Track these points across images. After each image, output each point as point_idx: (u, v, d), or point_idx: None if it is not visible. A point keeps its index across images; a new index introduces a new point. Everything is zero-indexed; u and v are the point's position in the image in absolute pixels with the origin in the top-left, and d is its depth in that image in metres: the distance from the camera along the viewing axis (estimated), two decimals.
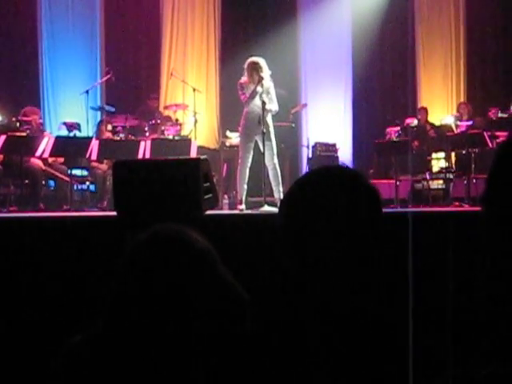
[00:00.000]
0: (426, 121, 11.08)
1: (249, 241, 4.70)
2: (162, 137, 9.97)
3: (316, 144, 11.38)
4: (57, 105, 11.82)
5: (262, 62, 8.12)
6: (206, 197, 5.31)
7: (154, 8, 12.31)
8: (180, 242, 1.49)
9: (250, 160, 8.09)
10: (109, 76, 10.71)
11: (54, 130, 10.86)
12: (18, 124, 9.08)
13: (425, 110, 11.33)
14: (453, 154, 10.47)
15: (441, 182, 10.34)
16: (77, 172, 9.53)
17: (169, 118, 10.71)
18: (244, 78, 8.19)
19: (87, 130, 9.95)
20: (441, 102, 12.48)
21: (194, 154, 8.94)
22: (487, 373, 1.24)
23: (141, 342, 1.45)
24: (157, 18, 12.35)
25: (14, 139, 8.61)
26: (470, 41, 12.63)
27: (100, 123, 10.29)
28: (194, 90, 10.50)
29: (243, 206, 8.02)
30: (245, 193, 8.10)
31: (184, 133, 10.46)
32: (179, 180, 5.20)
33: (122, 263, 1.50)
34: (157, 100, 11.50)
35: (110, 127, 10.18)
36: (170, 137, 10.04)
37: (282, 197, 7.69)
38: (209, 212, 5.40)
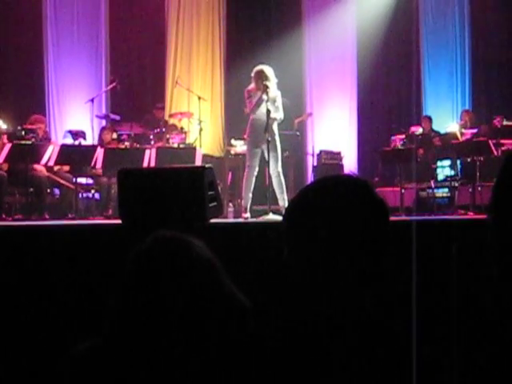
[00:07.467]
0: (431, 129, 11.08)
1: (253, 249, 4.69)
2: (167, 145, 9.98)
3: (321, 152, 11.40)
4: (62, 113, 11.86)
5: (268, 70, 8.14)
6: (211, 205, 5.31)
7: (159, 16, 12.35)
8: (181, 250, 1.50)
9: (257, 168, 8.11)
10: (114, 84, 10.75)
11: (60, 138, 10.89)
12: (23, 132, 9.09)
13: (428, 119, 11.33)
14: (458, 162, 10.45)
15: (446, 190, 10.33)
16: (82, 180, 9.54)
17: (174, 127, 10.71)
18: (251, 86, 8.21)
19: (92, 139, 9.97)
20: (446, 111, 12.47)
21: (198, 162, 8.95)
22: None
23: (144, 349, 1.45)
24: (162, 27, 12.38)
25: (20, 147, 8.62)
26: (475, 49, 12.63)
27: (102, 130, 10.31)
28: (199, 98, 10.52)
29: (248, 215, 8.02)
30: (250, 201, 8.10)
31: (189, 141, 10.46)
32: (184, 188, 5.20)
33: (124, 271, 1.50)
34: (163, 110, 11.45)
35: (115, 135, 10.19)
36: (175, 145, 10.05)
37: (286, 205, 7.69)
38: (213, 220, 5.39)
